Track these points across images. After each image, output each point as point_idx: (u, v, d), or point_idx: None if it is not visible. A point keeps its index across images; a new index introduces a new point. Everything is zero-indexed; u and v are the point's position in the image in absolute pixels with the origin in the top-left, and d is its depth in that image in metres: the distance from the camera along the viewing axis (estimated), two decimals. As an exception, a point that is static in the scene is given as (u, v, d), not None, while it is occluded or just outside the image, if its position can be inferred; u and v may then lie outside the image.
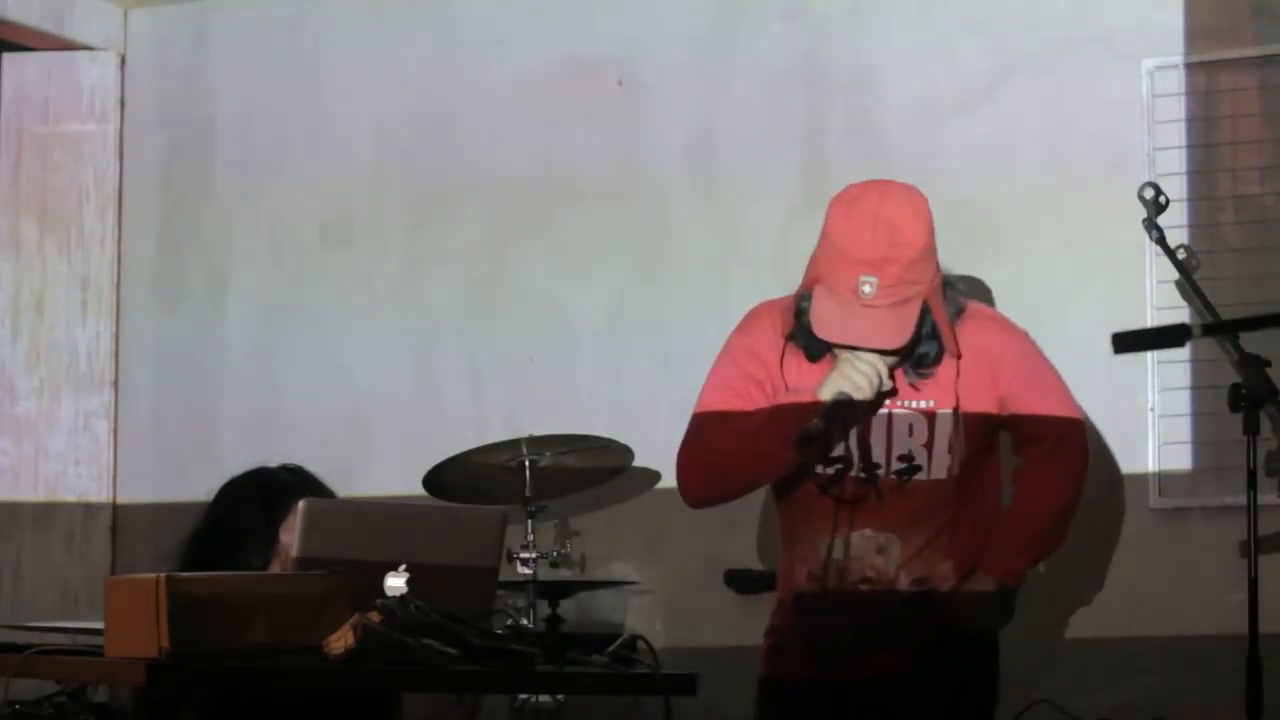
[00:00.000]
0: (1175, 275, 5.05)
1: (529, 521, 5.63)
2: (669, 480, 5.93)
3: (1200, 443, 5.48)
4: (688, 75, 6.24)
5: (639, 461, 5.82)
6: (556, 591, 5.72)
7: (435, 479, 5.71)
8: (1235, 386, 4.38)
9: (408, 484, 5.80)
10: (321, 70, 6.72)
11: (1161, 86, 5.62)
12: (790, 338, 4.23)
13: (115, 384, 6.89)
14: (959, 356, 4.20)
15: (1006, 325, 4.36)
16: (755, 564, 5.59)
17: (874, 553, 4.25)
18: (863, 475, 4.23)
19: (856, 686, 4.29)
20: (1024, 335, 4.35)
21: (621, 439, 5.75)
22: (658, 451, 5.68)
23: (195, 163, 6.86)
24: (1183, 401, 5.52)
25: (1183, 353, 5.45)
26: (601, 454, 5.78)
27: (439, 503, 5.62)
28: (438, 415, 6.40)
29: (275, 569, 4.20)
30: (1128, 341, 4.37)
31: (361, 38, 6.68)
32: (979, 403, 4.25)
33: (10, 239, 6.87)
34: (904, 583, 4.25)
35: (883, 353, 4.12)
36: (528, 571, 5.57)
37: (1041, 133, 5.76)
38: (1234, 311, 5.09)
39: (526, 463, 5.64)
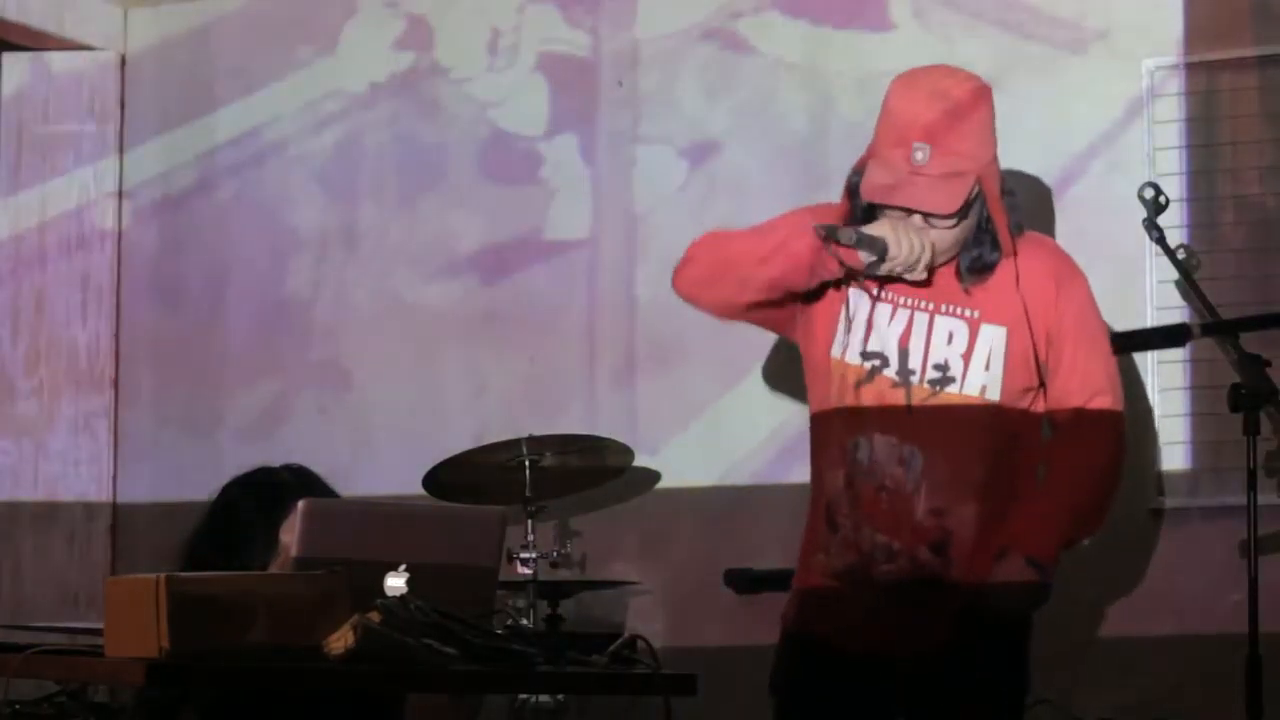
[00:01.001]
0: (1175, 275, 5.05)
1: (529, 521, 5.64)
2: (669, 480, 5.98)
3: (1200, 443, 5.48)
4: (688, 75, 6.24)
5: (639, 461, 5.83)
6: (556, 591, 5.72)
7: (435, 479, 5.72)
8: (1235, 386, 4.38)
9: (408, 484, 5.80)
10: (322, 70, 6.71)
11: (1161, 86, 5.63)
12: (845, 223, 4.10)
13: (115, 384, 6.89)
14: (1015, 254, 4.12)
15: (1072, 262, 4.24)
16: (755, 564, 5.59)
17: (895, 463, 4.12)
18: (896, 378, 4.12)
19: (887, 663, 4.14)
20: (1086, 281, 4.23)
21: (621, 439, 5.76)
22: (658, 451, 5.69)
23: (195, 162, 6.87)
24: (1182, 401, 5.52)
25: (1183, 353, 5.45)
26: (601, 454, 5.78)
27: (439, 503, 5.62)
28: (438, 415, 6.40)
29: (275, 569, 4.19)
30: (1128, 341, 4.37)
31: (361, 38, 6.68)
32: (1028, 326, 4.14)
33: (10, 239, 6.87)
34: (921, 508, 4.10)
35: (937, 219, 4.05)
36: (528, 571, 5.58)
37: (1041, 133, 5.76)
38: (1234, 311, 5.08)
39: (526, 463, 5.64)
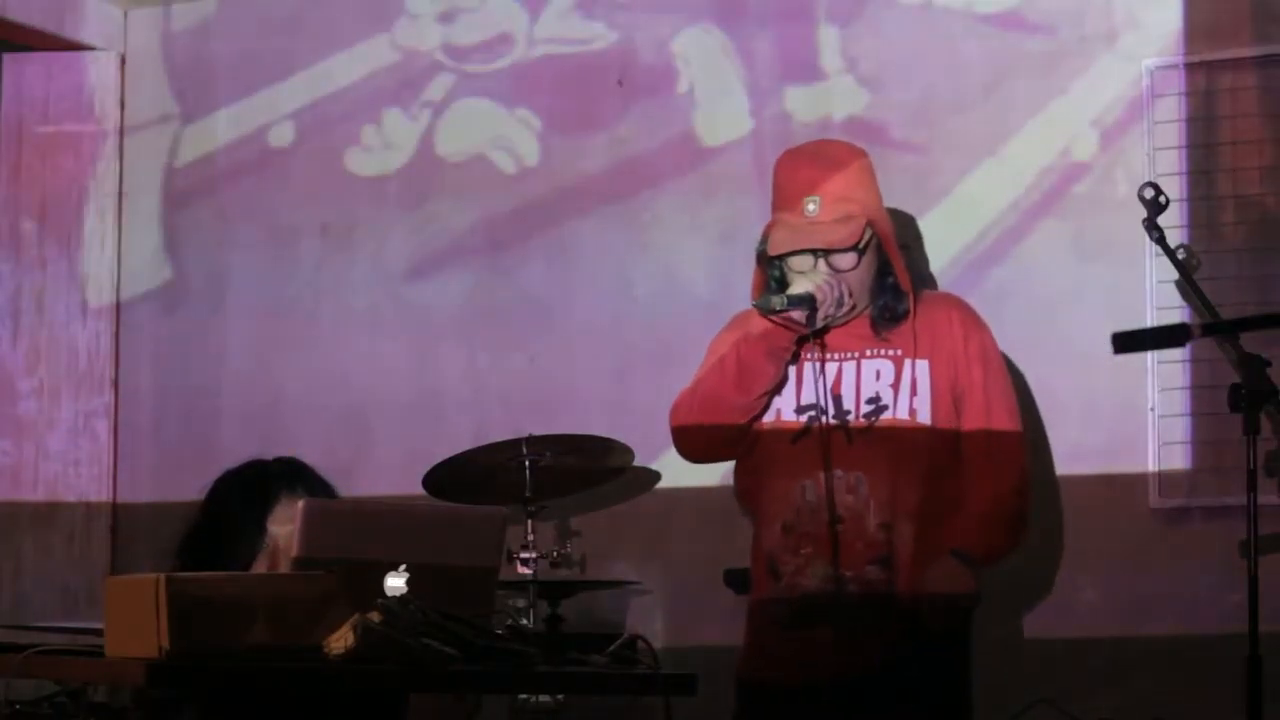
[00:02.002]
0: (1175, 275, 5.05)
1: (529, 521, 5.63)
2: (669, 480, 5.97)
3: (1200, 443, 5.48)
4: (688, 75, 6.24)
5: (639, 461, 5.82)
6: (556, 591, 5.72)
7: (435, 479, 5.72)
8: (1235, 386, 4.38)
9: (408, 484, 5.80)
10: (321, 70, 6.71)
11: (1161, 86, 5.62)
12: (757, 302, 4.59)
13: (115, 384, 6.88)
14: (919, 301, 4.59)
15: (974, 312, 4.70)
16: (755, 564, 5.59)
17: (844, 492, 4.50)
18: (835, 422, 4.51)
19: (825, 687, 4.45)
20: (988, 329, 4.69)
21: (621, 439, 5.75)
22: (658, 451, 5.69)
23: (195, 162, 6.87)
24: (1182, 401, 5.52)
25: (1183, 353, 5.45)
26: (601, 454, 5.78)
27: (439, 503, 5.62)
28: (438, 415, 6.40)
29: (263, 560, 4.20)
30: (1128, 341, 4.37)
31: (360, 37, 6.67)
32: (943, 360, 4.57)
33: (10, 239, 6.87)
34: (871, 522, 4.47)
35: (839, 257, 4.53)
36: (528, 571, 5.57)
37: (1042, 133, 5.76)
38: (1234, 311, 5.09)
39: (526, 463, 5.64)
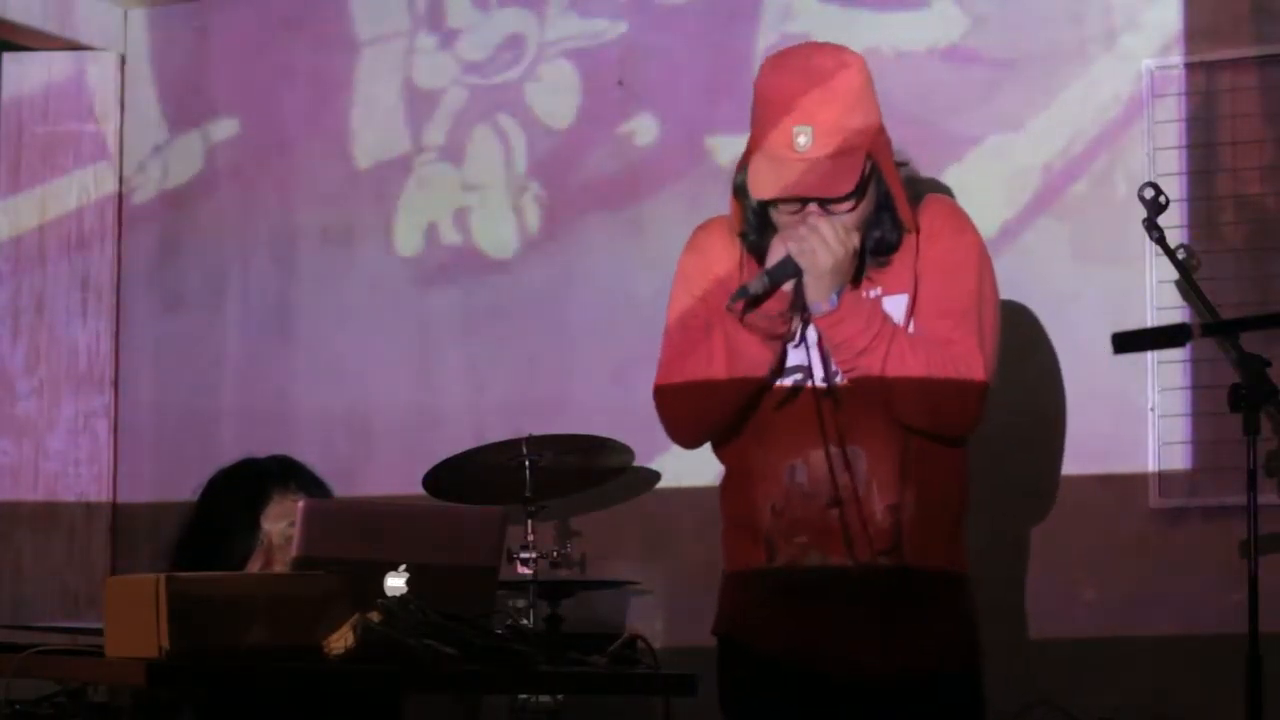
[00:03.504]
0: (1175, 275, 5.05)
1: (529, 521, 5.63)
2: (669, 480, 5.98)
3: (1200, 443, 5.48)
4: (688, 75, 6.24)
5: (639, 461, 5.82)
6: (556, 591, 5.72)
7: (435, 479, 5.72)
8: (1235, 386, 4.38)
9: (408, 484, 5.80)
10: (321, 70, 6.72)
11: (1161, 86, 5.63)
12: (742, 237, 3.92)
13: (115, 384, 6.88)
14: (918, 231, 3.86)
15: (966, 221, 3.96)
16: (755, 564, 5.59)
17: (840, 470, 3.84)
18: (823, 385, 3.84)
19: (827, 681, 3.91)
20: (980, 241, 3.95)
21: (621, 439, 5.75)
22: (658, 451, 5.69)
23: (195, 163, 6.87)
24: (1182, 401, 5.52)
25: (1183, 353, 5.45)
26: (601, 454, 5.78)
27: (439, 503, 5.62)
28: (438, 415, 6.40)
29: (258, 558, 4.20)
30: (1128, 341, 4.38)
31: (360, 37, 6.68)
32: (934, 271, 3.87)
33: (10, 239, 6.87)
34: (877, 505, 3.84)
35: (834, 204, 3.79)
36: (528, 571, 5.57)
37: (1042, 133, 5.76)
38: (1234, 311, 5.09)
39: (526, 463, 5.64)
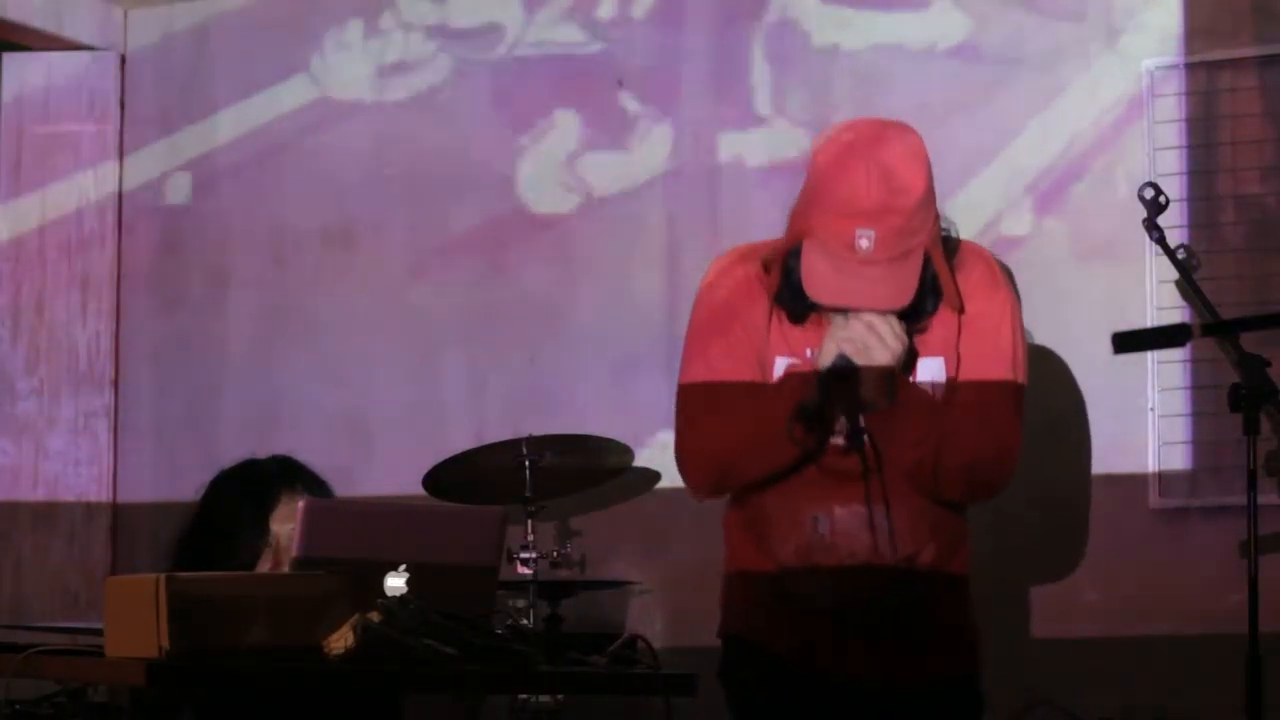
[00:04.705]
0: (1175, 275, 5.05)
1: (529, 521, 5.63)
2: (669, 480, 5.96)
3: (1200, 443, 5.48)
4: (688, 76, 6.24)
5: (639, 461, 5.83)
6: (556, 591, 5.72)
7: (435, 479, 5.72)
8: (1235, 386, 4.38)
9: (408, 484, 5.80)
10: (321, 70, 6.71)
11: (1161, 86, 5.63)
12: (776, 297, 3.80)
13: (115, 384, 6.88)
14: (962, 311, 3.79)
15: (1000, 277, 3.89)
16: (755, 564, 5.59)
17: (864, 529, 3.81)
18: (845, 443, 3.78)
19: (837, 684, 3.90)
20: (1013, 297, 3.89)
21: (621, 439, 5.75)
22: (658, 451, 5.70)
23: (195, 162, 6.87)
24: (1182, 401, 5.52)
25: (1183, 353, 5.45)
26: (601, 454, 5.78)
27: (439, 503, 5.62)
28: (438, 415, 6.40)
29: (267, 559, 4.20)
30: (1128, 341, 4.37)
31: (361, 37, 6.68)
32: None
33: (10, 239, 6.87)
34: (897, 556, 3.83)
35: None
36: (528, 571, 5.57)
37: (1042, 133, 5.76)
38: (1234, 311, 5.09)
39: (526, 463, 5.64)
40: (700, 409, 3.89)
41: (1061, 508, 5.59)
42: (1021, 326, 3.91)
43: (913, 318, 3.76)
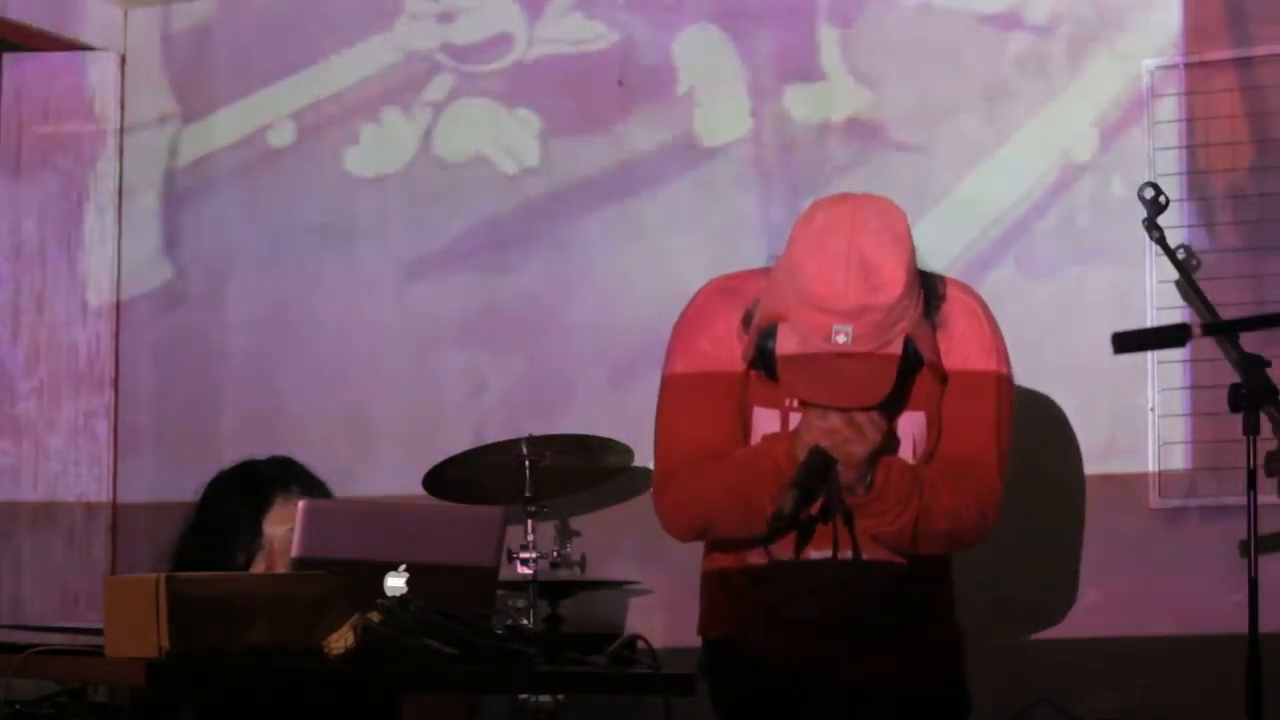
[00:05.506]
0: (1175, 275, 5.05)
1: (529, 521, 5.63)
2: (669, 480, 5.96)
3: (1200, 443, 5.48)
4: (688, 75, 6.24)
5: (639, 461, 5.82)
6: (556, 591, 5.72)
7: (435, 479, 5.72)
8: (1235, 386, 4.37)
9: (408, 484, 5.80)
10: (321, 70, 6.72)
11: (1161, 86, 5.63)
12: (751, 365, 3.72)
13: (115, 384, 6.88)
14: (945, 381, 3.74)
15: (984, 318, 3.82)
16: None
17: (833, 569, 3.76)
18: (824, 520, 3.75)
19: (825, 685, 3.90)
20: (997, 337, 3.82)
21: (621, 439, 5.75)
22: (658, 451, 5.68)
23: (195, 162, 6.87)
24: (1182, 401, 5.52)
25: (1183, 353, 5.45)
26: (601, 454, 5.78)
27: (439, 503, 5.62)
28: (438, 415, 6.40)
29: (261, 561, 4.20)
30: (1128, 341, 4.37)
31: (360, 37, 6.68)
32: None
33: (10, 239, 6.87)
34: (873, 591, 3.81)
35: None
36: (528, 571, 5.58)
37: (1042, 133, 5.76)
38: (1234, 311, 5.09)
39: (526, 463, 5.64)
40: (679, 463, 3.84)
41: (1061, 507, 5.59)
42: (1007, 368, 3.82)
43: (891, 405, 3.68)
